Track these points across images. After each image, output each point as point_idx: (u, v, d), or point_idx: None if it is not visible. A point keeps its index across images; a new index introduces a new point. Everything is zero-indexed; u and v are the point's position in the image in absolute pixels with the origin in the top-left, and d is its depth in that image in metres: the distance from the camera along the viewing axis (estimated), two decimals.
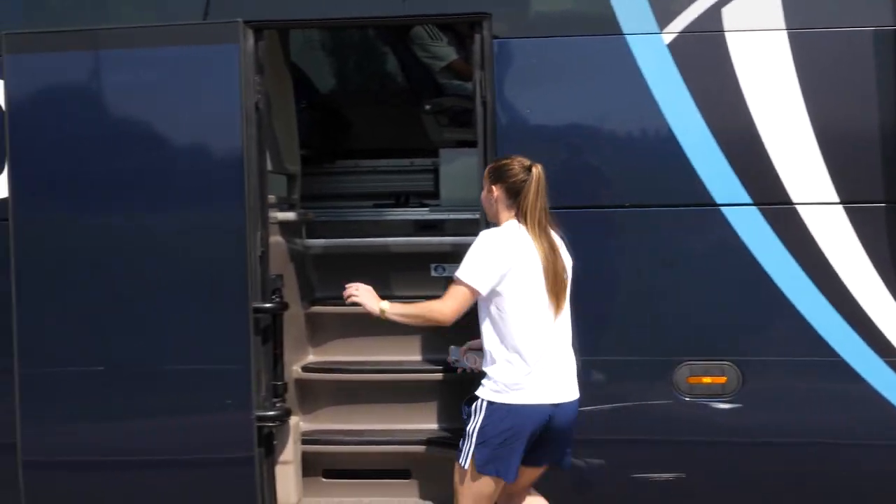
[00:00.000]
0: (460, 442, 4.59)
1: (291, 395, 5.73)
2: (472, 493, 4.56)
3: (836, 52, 4.92)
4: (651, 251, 5.05)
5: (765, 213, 4.95)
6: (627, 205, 5.03)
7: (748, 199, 4.95)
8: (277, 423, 5.28)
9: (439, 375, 5.77)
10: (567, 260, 4.61)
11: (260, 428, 5.16)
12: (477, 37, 5.14)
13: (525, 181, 4.50)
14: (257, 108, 5.15)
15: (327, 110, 7.18)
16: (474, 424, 4.51)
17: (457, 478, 4.62)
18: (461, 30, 6.60)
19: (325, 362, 6.02)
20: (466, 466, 4.54)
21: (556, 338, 4.52)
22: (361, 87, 7.99)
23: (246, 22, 5.07)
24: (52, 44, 5.19)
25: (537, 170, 4.53)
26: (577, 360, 4.76)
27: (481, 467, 4.50)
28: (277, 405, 5.31)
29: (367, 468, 5.69)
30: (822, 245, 4.93)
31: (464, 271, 4.47)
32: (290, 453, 5.56)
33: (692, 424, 5.06)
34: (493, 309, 4.49)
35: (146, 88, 5.16)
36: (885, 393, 4.97)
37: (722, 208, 4.96)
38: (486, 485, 4.54)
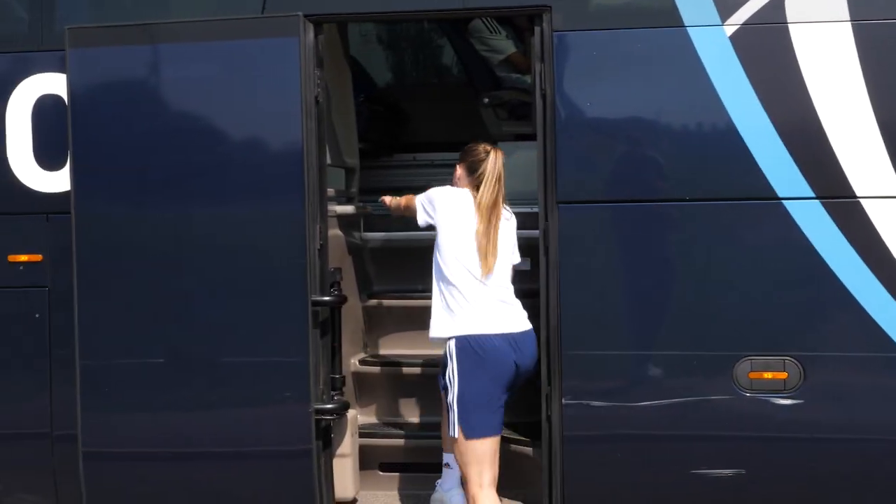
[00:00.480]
0: (448, 413, 5.12)
1: (349, 388, 5.86)
2: (472, 457, 5.05)
3: None
4: (712, 245, 5.11)
5: (828, 207, 4.99)
6: (688, 198, 5.10)
7: (811, 193, 4.99)
8: (335, 416, 5.40)
9: None
10: (507, 234, 5.25)
11: (318, 421, 5.27)
12: (537, 29, 5.21)
13: (483, 160, 5.22)
14: (317, 102, 5.27)
15: (385, 104, 7.31)
16: (452, 395, 5.04)
17: (454, 448, 5.17)
18: (520, 23, 6.70)
19: (382, 355, 6.18)
20: (456, 436, 5.04)
21: (491, 286, 5.11)
22: (419, 81, 8.13)
23: (306, 15, 5.19)
24: (115, 38, 5.34)
25: (496, 153, 5.25)
26: (637, 354, 4.97)
27: (470, 433, 5.01)
28: (335, 398, 5.44)
29: (425, 461, 5.80)
30: (886, 239, 4.96)
31: (421, 196, 5.35)
32: (348, 446, 5.69)
33: (752, 420, 5.11)
34: (436, 245, 5.20)
35: (207, 82, 5.31)
36: None
37: (784, 202, 5.01)
38: (482, 446, 5.04)
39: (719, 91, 5.03)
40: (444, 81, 7.97)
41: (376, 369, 6.09)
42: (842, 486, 5.14)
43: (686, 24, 5.05)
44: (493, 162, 5.23)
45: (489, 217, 5.17)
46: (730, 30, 5.02)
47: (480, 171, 5.22)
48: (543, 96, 5.20)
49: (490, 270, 5.11)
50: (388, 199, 5.73)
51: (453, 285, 5.12)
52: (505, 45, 6.74)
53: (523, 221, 5.70)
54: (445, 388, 5.13)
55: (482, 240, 5.13)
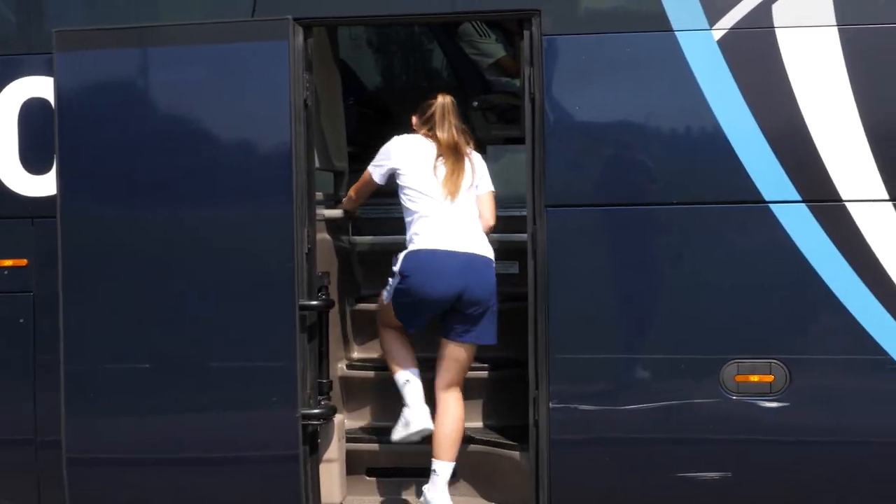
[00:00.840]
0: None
1: (336, 392, 6.00)
2: (387, 321, 5.91)
3: (887, 48, 5.12)
4: (699, 248, 5.28)
5: (814, 211, 5.15)
6: (676, 202, 5.26)
7: (797, 197, 5.16)
8: (322, 421, 5.55)
9: (485, 373, 6.07)
10: (474, 169, 5.81)
11: (305, 426, 5.41)
12: (526, 33, 5.37)
13: (432, 104, 5.85)
14: (306, 106, 5.41)
15: (375, 107, 7.50)
16: (394, 283, 5.72)
17: (379, 302, 5.98)
18: (509, 27, 6.87)
19: (369, 359, 6.32)
20: (386, 302, 5.82)
21: (455, 211, 5.67)
22: (409, 84, 8.30)
23: (296, 19, 5.34)
24: (103, 41, 5.48)
25: (443, 98, 5.87)
26: (626, 357, 5.21)
27: (395, 314, 5.78)
28: (322, 403, 5.57)
29: (412, 466, 5.92)
30: (871, 243, 5.13)
31: (371, 164, 5.92)
32: (335, 451, 5.82)
33: (739, 423, 5.27)
34: (400, 190, 5.77)
35: (196, 85, 5.45)
36: None
37: (771, 205, 5.17)
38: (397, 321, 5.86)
39: (707, 95, 5.19)
40: (433, 85, 8.13)
41: (364, 374, 6.23)
42: (827, 489, 5.29)
43: (674, 29, 5.21)
44: (442, 105, 5.83)
45: (453, 155, 5.74)
46: (718, 34, 5.19)
47: (430, 112, 5.84)
48: (532, 100, 5.36)
49: (454, 198, 5.66)
50: (344, 201, 6.25)
51: (418, 213, 5.67)
52: (494, 48, 6.92)
53: (512, 225, 5.92)
54: (392, 275, 5.75)
55: (449, 176, 5.70)
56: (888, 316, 5.15)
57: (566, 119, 5.34)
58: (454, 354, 5.71)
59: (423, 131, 5.87)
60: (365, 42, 7.86)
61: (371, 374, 6.21)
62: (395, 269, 5.71)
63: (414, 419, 5.74)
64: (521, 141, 5.59)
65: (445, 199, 5.67)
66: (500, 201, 5.87)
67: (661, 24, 5.24)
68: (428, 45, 7.72)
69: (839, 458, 5.28)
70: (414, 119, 5.95)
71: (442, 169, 5.72)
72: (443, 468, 5.62)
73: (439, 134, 5.80)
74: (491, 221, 5.81)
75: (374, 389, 6.19)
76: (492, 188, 5.86)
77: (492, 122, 6.87)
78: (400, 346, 5.90)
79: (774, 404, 5.27)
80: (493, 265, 5.71)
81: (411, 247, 5.68)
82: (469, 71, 7.07)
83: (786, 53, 5.16)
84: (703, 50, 5.21)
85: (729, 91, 5.19)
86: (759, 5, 5.18)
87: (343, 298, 6.30)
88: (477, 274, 5.61)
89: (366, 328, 6.42)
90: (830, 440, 5.28)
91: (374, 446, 6.05)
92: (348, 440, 6.03)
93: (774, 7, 5.17)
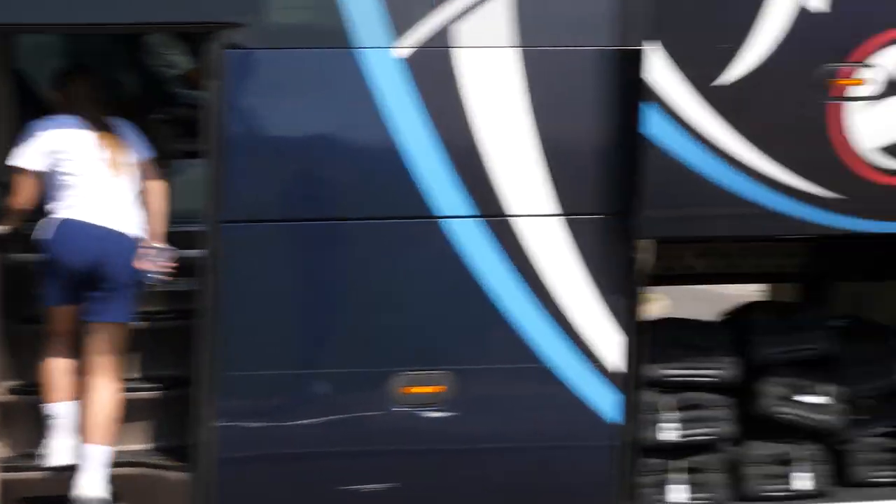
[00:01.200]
0: None
1: None
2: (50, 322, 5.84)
3: (560, 70, 5.53)
4: (374, 263, 5.52)
5: (485, 225, 5.49)
6: (353, 217, 5.47)
7: (469, 212, 5.48)
8: None
9: (149, 394, 5.99)
10: (128, 142, 5.86)
11: None
12: (210, 46, 5.46)
13: (69, 82, 5.98)
14: None
15: None
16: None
17: None
18: (196, 39, 6.99)
19: (32, 384, 6.13)
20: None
21: (109, 192, 5.73)
22: None
23: None
24: None
25: (80, 76, 6.05)
26: (297, 373, 5.44)
27: (46, 299, 5.77)
28: None
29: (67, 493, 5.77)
30: (535, 256, 5.51)
31: (13, 158, 5.72)
32: None
33: (408, 434, 5.52)
34: (51, 174, 5.72)
35: None
36: (588, 397, 5.61)
37: (443, 220, 5.47)
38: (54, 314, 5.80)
39: (388, 112, 5.45)
40: (118, 95, 8.13)
41: (25, 398, 6.04)
42: (495, 495, 5.63)
43: (358, 46, 5.44)
44: (81, 83, 5.95)
45: (107, 133, 5.79)
46: (400, 52, 5.45)
47: (71, 90, 5.91)
48: (213, 114, 5.46)
49: (115, 175, 5.73)
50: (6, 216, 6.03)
51: (71, 195, 5.67)
52: (180, 60, 7.03)
53: (187, 241, 5.90)
54: None
55: (110, 154, 5.74)
56: (548, 327, 5.55)
57: (248, 134, 5.48)
58: (92, 332, 5.74)
59: (68, 108, 5.85)
60: (50, 51, 7.74)
61: (30, 398, 6.03)
62: (40, 237, 5.65)
63: (53, 456, 5.79)
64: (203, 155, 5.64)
65: (105, 177, 5.70)
66: (177, 216, 5.92)
67: (346, 40, 5.45)
68: (115, 56, 7.69)
69: (506, 464, 5.62)
70: (55, 94, 5.96)
71: (102, 149, 5.74)
72: (93, 452, 5.62)
73: (89, 114, 5.80)
74: (163, 182, 5.93)
75: (37, 415, 6.03)
76: (153, 153, 5.93)
77: (175, 134, 6.91)
78: (56, 373, 5.82)
79: (443, 414, 5.55)
80: (137, 246, 5.73)
81: (55, 215, 5.66)
82: (154, 82, 7.11)
83: (464, 73, 5.48)
84: (385, 67, 5.46)
85: (409, 108, 5.46)
86: (441, 25, 5.48)
87: (6, 319, 6.17)
88: (116, 251, 5.65)
89: (31, 351, 6.28)
90: (497, 447, 5.60)
91: (32, 474, 5.89)
92: (5, 469, 5.85)
93: (454, 28, 5.48)
